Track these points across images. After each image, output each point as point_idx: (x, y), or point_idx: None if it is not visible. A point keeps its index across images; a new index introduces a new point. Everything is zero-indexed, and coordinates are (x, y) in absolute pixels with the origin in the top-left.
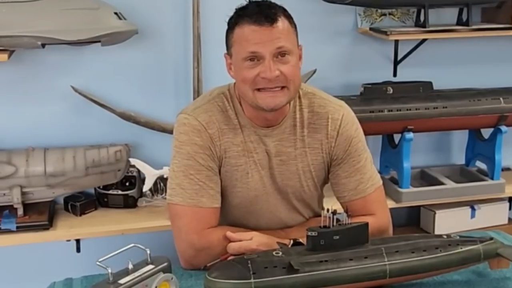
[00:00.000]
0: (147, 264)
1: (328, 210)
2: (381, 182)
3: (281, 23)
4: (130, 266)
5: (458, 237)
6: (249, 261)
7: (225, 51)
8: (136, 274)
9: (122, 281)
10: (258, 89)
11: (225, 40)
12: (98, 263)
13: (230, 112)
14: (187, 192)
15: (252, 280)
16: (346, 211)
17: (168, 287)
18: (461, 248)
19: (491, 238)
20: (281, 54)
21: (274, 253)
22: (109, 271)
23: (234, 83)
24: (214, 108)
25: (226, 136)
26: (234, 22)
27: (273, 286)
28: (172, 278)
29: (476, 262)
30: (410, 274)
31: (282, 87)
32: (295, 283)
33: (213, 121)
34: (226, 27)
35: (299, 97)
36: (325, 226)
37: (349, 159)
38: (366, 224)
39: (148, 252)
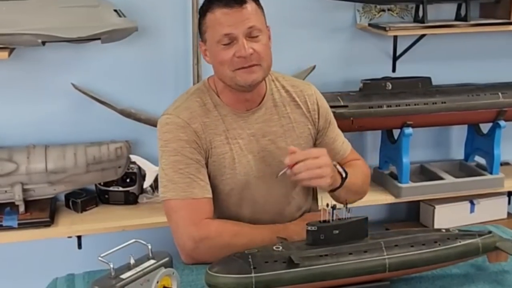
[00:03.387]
0: (149, 259)
1: (328, 205)
2: None
3: (249, 4)
4: (132, 261)
5: (457, 231)
6: (249, 256)
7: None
8: (138, 269)
9: (123, 276)
10: (236, 69)
11: (197, 28)
12: (100, 258)
13: (208, 105)
14: (179, 186)
15: (252, 275)
16: (345, 205)
17: (170, 282)
18: (460, 242)
19: (490, 232)
20: (252, 33)
21: (274, 247)
22: (111, 266)
23: (208, 78)
24: (193, 104)
25: (209, 128)
26: (205, 9)
27: (274, 280)
28: (173, 273)
29: (475, 256)
30: (409, 268)
31: (256, 65)
32: (295, 277)
33: (195, 116)
34: None
35: (273, 80)
36: (324, 221)
37: (330, 126)
38: (366, 219)
39: (150, 247)
